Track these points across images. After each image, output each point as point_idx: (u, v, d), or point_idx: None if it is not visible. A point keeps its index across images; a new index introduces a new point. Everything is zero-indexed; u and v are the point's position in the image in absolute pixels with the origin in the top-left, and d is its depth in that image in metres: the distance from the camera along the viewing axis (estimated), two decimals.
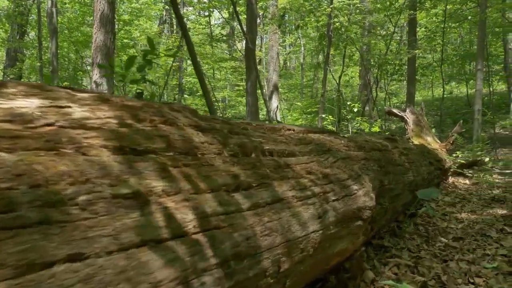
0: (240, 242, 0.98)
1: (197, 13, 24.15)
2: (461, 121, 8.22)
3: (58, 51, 18.66)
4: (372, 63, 15.91)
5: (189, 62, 22.72)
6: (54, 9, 15.57)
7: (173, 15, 19.83)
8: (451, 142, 7.66)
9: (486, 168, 8.13)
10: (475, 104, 10.19)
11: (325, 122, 8.63)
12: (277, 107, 16.63)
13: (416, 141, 7.22)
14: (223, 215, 0.99)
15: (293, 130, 2.09)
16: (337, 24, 10.08)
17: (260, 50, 23.26)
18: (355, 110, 8.22)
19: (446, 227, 3.81)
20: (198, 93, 20.46)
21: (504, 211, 4.45)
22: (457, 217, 4.23)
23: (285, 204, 1.22)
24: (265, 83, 19.75)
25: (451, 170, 6.77)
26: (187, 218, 0.89)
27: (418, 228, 3.71)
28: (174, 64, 16.01)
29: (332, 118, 8.56)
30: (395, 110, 8.27)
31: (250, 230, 1.04)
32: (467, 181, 7.06)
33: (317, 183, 1.45)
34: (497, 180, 7.39)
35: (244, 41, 13.66)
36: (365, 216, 1.68)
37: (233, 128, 1.41)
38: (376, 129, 7.69)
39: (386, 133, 7.77)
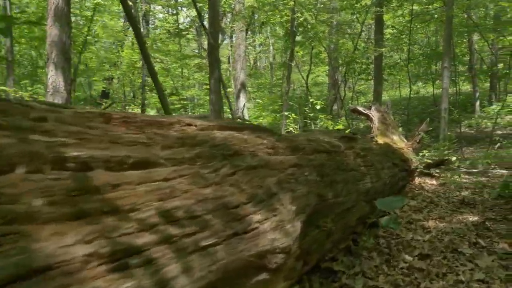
0: None
1: (165, 12, 23.23)
2: (428, 119, 7.76)
3: (16, 47, 17.46)
4: (340, 61, 15.47)
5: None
6: (7, 2, 14.53)
7: (138, 12, 18.88)
8: (418, 141, 7.17)
9: (453, 167, 7.70)
10: (442, 103, 9.80)
11: (288, 120, 8.03)
12: (244, 105, 15.96)
13: (381, 140, 6.69)
14: None
15: (195, 126, 1.41)
16: (301, 19, 9.50)
17: (229, 49, 22.52)
18: (318, 107, 7.63)
19: (411, 239, 3.22)
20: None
21: (476, 217, 3.91)
22: (424, 226, 3.66)
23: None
24: (232, 82, 19.06)
25: (418, 170, 6.26)
26: None
27: (379, 242, 3.10)
28: (134, 60, 15.11)
29: (295, 116, 7.96)
30: (360, 108, 7.73)
31: None
32: (434, 182, 6.58)
33: (173, 218, 0.80)
34: (464, 180, 6.95)
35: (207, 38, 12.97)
36: (274, 264, 1.04)
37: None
38: (340, 127, 7.13)
39: (348, 132, 7.22)
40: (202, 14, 14.34)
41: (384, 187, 3.75)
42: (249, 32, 26.31)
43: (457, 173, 6.36)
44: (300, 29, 11.39)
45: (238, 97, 17.90)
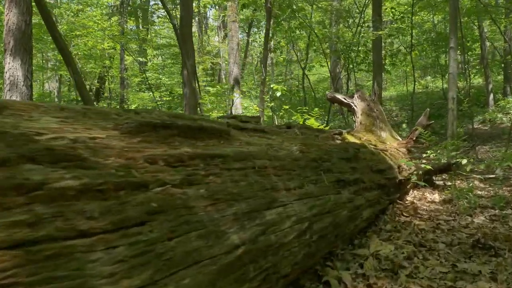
0: None
1: None
2: (427, 109, 5.69)
3: None
4: (339, 51, 13.37)
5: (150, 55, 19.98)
6: None
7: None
8: (414, 138, 5.11)
9: (463, 173, 5.62)
10: (449, 91, 7.66)
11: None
12: (233, 102, 13.94)
13: (364, 137, 4.67)
14: None
15: None
16: None
17: (223, 42, 20.49)
18: (278, 94, 5.66)
19: None
20: (162, 89, 17.63)
21: None
22: None
23: None
24: (223, 76, 17.19)
25: (413, 180, 4.21)
26: None
27: None
28: (111, 50, 13.29)
29: (256, 108, 6.03)
30: (339, 96, 5.69)
31: None
32: (436, 196, 4.52)
33: None
34: (479, 192, 4.86)
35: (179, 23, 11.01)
36: None
37: None
38: (312, 121, 5.13)
39: (324, 127, 5.20)
40: None
41: (336, 219, 1.79)
42: (253, 28, 24.34)
43: (469, 189, 4.29)
44: (282, 13, 9.41)
45: (231, 92, 15.92)
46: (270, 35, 12.86)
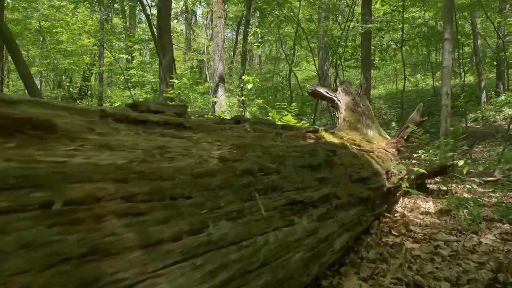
0: None
1: None
2: (421, 104, 4.97)
3: None
4: (325, 46, 12.64)
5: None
6: None
7: None
8: (405, 137, 4.39)
9: (460, 176, 4.92)
10: (443, 86, 6.96)
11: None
12: (215, 102, 13.07)
13: (348, 135, 3.94)
14: None
15: None
16: None
17: (211, 39, 19.65)
18: (249, 86, 4.90)
19: None
20: (146, 88, 16.73)
21: None
22: None
23: None
24: (207, 73, 16.37)
25: (404, 186, 3.47)
26: None
27: None
28: (91, 47, 12.42)
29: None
30: (321, 90, 4.95)
31: None
32: (430, 205, 3.80)
33: None
34: (479, 199, 4.15)
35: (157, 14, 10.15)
36: None
37: None
38: (289, 118, 4.38)
39: (303, 124, 4.47)
40: None
41: (279, 273, 1.04)
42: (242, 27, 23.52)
43: (472, 197, 3.59)
44: (267, 6, 8.66)
45: (216, 91, 15.10)
46: (254, 29, 12.10)
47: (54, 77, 16.02)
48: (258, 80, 5.10)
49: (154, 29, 9.94)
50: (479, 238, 2.65)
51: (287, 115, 4.54)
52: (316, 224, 1.36)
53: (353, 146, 3.04)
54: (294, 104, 4.69)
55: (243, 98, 5.19)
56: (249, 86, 4.85)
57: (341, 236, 1.69)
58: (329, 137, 3.08)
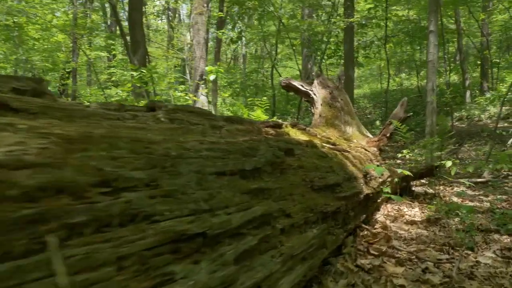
0: None
1: None
2: (405, 98, 4.47)
3: None
4: (307, 43, 12.13)
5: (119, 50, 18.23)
6: None
7: None
8: (388, 135, 3.88)
9: (448, 178, 4.43)
10: (428, 82, 6.50)
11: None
12: (195, 101, 12.44)
13: (324, 132, 3.41)
14: None
15: None
16: None
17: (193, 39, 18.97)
18: (212, 78, 4.33)
19: None
20: (129, 85, 16.00)
21: None
22: None
23: None
24: (188, 71, 15.72)
25: (385, 193, 2.94)
26: None
27: None
28: (67, 44, 11.68)
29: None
30: (295, 83, 4.42)
31: None
32: (416, 212, 3.29)
33: None
34: (470, 203, 3.66)
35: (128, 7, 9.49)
36: None
37: None
38: (258, 113, 3.83)
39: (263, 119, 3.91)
40: None
41: None
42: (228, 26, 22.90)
43: (460, 195, 3.10)
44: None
45: (196, 90, 14.47)
46: (231, 25, 11.53)
47: (20, 74, 15.18)
48: (222, 71, 4.53)
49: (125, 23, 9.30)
50: (476, 257, 2.14)
51: (256, 110, 3.98)
52: (232, 270, 0.82)
53: (324, 144, 2.51)
54: (265, 98, 4.15)
55: (206, 90, 4.64)
56: (212, 77, 4.26)
57: (289, 274, 1.14)
58: (295, 133, 2.54)
